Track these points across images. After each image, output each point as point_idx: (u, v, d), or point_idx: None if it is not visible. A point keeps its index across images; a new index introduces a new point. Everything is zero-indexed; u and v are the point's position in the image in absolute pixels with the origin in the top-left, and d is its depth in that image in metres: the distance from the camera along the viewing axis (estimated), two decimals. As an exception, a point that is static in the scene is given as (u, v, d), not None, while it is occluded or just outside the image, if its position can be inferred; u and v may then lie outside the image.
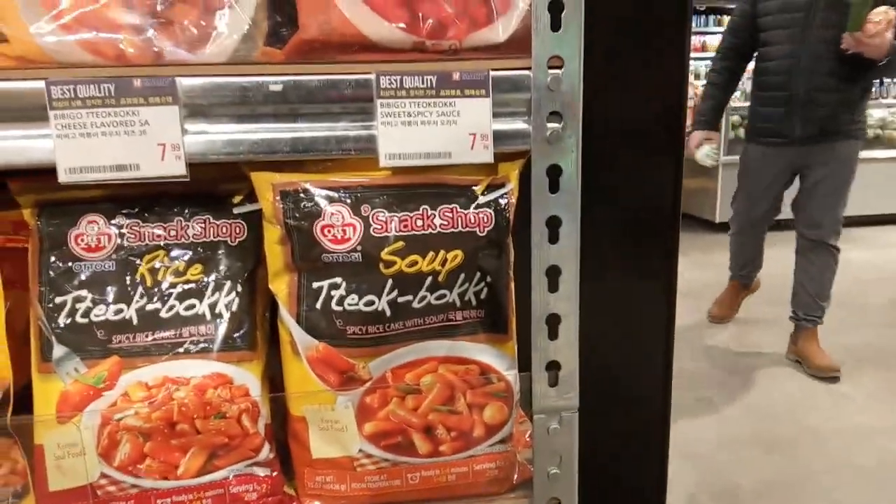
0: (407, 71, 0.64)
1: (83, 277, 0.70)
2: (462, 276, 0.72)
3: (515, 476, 0.81)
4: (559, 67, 0.66)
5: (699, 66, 6.62)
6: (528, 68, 0.65)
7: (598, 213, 0.85)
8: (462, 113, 0.66)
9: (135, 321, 0.70)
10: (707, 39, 7.54)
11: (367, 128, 0.65)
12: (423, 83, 0.65)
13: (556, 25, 0.65)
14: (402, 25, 0.66)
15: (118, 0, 0.63)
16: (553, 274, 0.72)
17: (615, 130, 0.87)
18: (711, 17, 7.82)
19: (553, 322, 0.73)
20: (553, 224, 0.70)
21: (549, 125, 0.67)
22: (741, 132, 5.12)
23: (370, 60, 0.66)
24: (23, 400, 0.73)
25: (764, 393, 3.12)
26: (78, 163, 0.61)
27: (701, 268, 4.47)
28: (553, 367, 0.75)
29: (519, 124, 0.67)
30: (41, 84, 0.60)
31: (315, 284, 0.71)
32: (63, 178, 0.61)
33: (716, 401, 3.04)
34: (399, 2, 0.66)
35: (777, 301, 3.67)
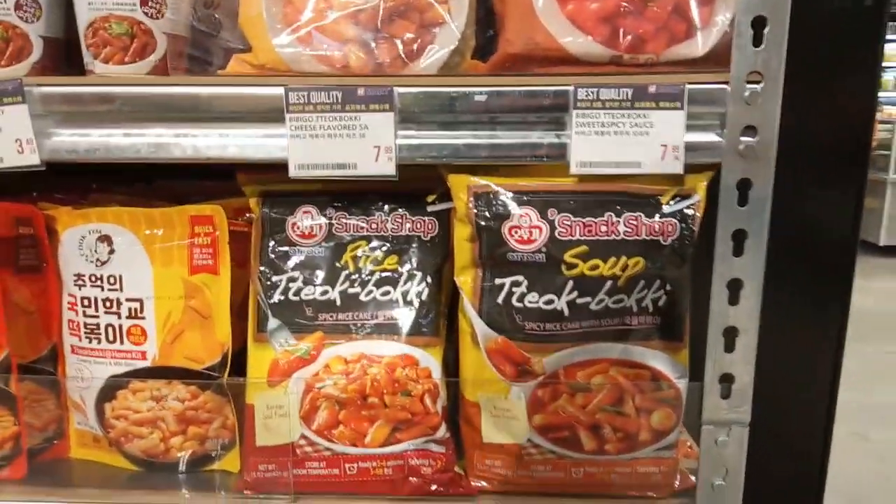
0: (604, 83, 0.68)
1: (297, 260, 0.79)
2: (641, 282, 0.74)
3: (677, 483, 0.82)
4: (758, 83, 0.66)
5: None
6: (726, 82, 0.66)
7: (782, 229, 0.84)
8: (655, 125, 0.68)
9: (338, 302, 0.78)
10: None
11: (560, 136, 0.69)
12: (618, 95, 0.67)
13: (758, 41, 0.65)
14: (601, 40, 0.70)
15: (347, 17, 0.71)
16: (734, 287, 0.72)
17: (803, 148, 0.86)
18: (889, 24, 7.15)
19: (730, 335, 0.74)
20: (739, 238, 0.71)
21: (744, 139, 0.68)
22: None
23: (569, 73, 0.70)
24: (234, 366, 0.84)
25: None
26: (306, 160, 0.70)
27: (861, 293, 4.13)
28: (726, 379, 0.76)
29: (711, 137, 0.68)
30: (280, 90, 0.69)
31: (498, 281, 0.76)
32: (293, 172, 0.70)
33: (872, 437, 2.82)
34: (601, 17, 0.70)
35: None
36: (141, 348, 0.84)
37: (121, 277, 0.83)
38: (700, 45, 0.69)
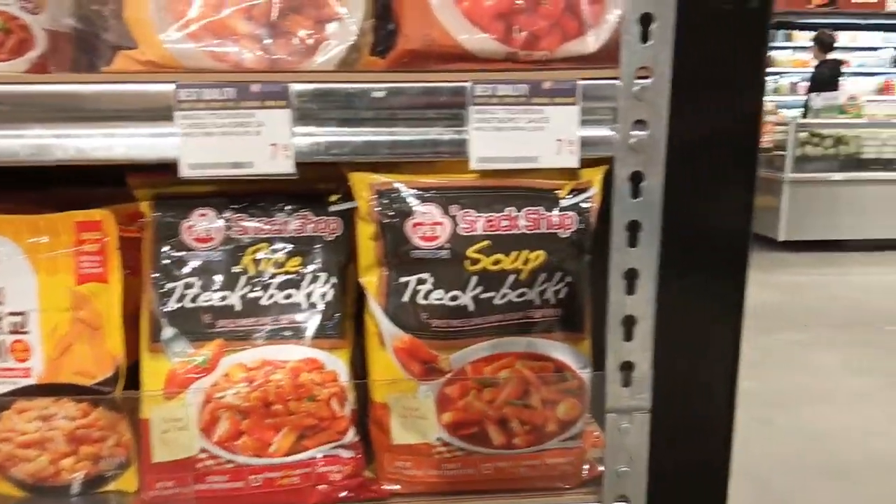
0: (500, 80, 0.68)
1: (193, 266, 0.76)
2: (543, 275, 0.75)
3: (585, 472, 0.84)
4: (647, 78, 0.69)
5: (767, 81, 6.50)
6: (617, 78, 0.69)
7: (674, 221, 0.88)
8: (551, 120, 0.69)
9: (238, 307, 0.76)
10: (774, 54, 7.42)
11: (459, 132, 0.70)
12: (515, 91, 0.68)
13: (645, 38, 0.68)
14: (497, 37, 0.70)
15: (239, 12, 0.69)
16: (631, 277, 0.74)
17: (694, 142, 0.89)
18: (780, 32, 7.69)
19: (629, 324, 0.76)
20: (633, 229, 0.73)
21: (634, 133, 0.70)
22: (809, 150, 4.98)
23: (466, 69, 0.71)
24: (129, 380, 0.80)
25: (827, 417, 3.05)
26: (199, 159, 0.67)
27: (761, 287, 4.39)
28: (627, 367, 0.78)
29: (604, 131, 0.71)
30: (170, 87, 0.66)
31: (403, 279, 0.75)
32: (185, 172, 0.67)
33: (776, 421, 2.98)
34: (496, 15, 0.70)
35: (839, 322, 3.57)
36: (25, 365, 0.78)
37: (2, 290, 0.77)
38: (591, 42, 0.71)
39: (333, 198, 0.77)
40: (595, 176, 0.74)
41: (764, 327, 3.70)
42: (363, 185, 0.73)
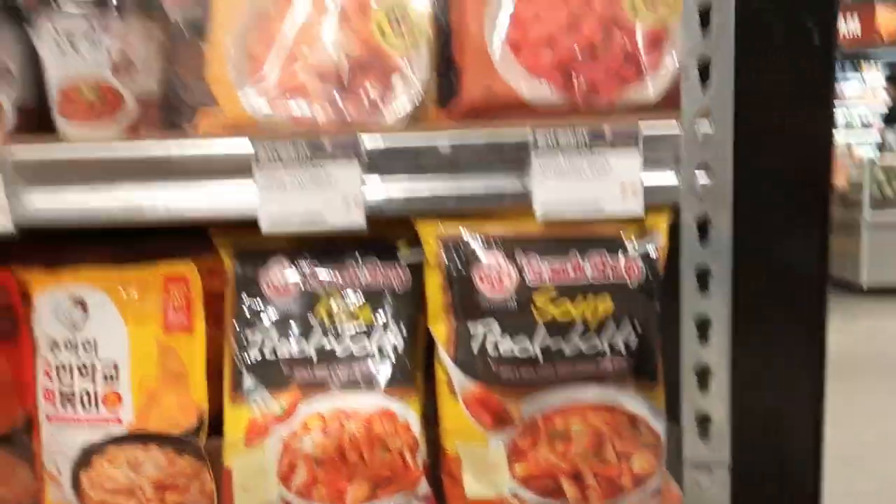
0: (562, 128, 0.70)
1: (271, 316, 0.79)
2: (612, 324, 0.74)
3: (665, 529, 0.80)
4: (708, 122, 0.69)
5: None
6: (678, 123, 0.69)
7: (747, 266, 0.85)
8: (613, 167, 0.70)
9: (313, 357, 0.78)
10: (845, 89, 7.12)
11: (523, 181, 0.71)
12: (576, 139, 0.70)
13: (704, 82, 0.68)
14: (557, 87, 0.72)
15: (311, 72, 0.74)
16: (703, 325, 0.73)
17: (760, 184, 0.88)
18: (850, 66, 7.41)
19: (704, 374, 0.74)
20: (703, 275, 0.71)
21: (699, 177, 0.69)
22: (887, 189, 4.70)
23: (527, 119, 0.73)
24: (212, 428, 0.83)
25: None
26: (276, 214, 0.71)
27: (844, 334, 4.11)
28: (703, 420, 0.75)
29: (668, 177, 0.70)
30: (248, 145, 0.71)
31: (471, 328, 0.76)
32: (266, 230, 0.71)
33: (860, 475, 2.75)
34: (555, 66, 0.73)
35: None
36: (117, 414, 0.83)
37: (95, 341, 0.83)
38: (651, 89, 0.72)
39: (403, 248, 0.80)
40: (661, 222, 0.74)
41: (846, 375, 3.45)
42: (431, 235, 0.75)
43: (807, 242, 0.89)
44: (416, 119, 0.75)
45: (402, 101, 0.73)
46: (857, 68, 7.27)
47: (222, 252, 0.83)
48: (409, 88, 0.73)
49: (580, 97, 0.73)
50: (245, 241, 0.81)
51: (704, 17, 0.68)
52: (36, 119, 0.84)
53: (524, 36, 0.75)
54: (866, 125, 6.42)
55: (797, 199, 0.88)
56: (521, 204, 0.71)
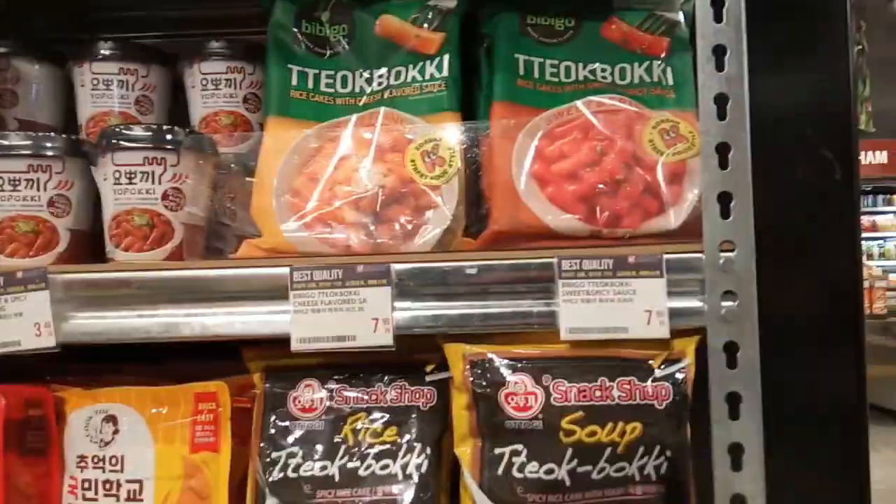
0: (586, 255, 0.72)
1: (297, 435, 0.79)
2: (641, 448, 0.73)
3: None
4: (731, 251, 0.71)
5: (871, 246, 6.28)
6: (701, 251, 0.71)
7: (777, 392, 0.84)
8: (638, 292, 0.72)
9: (337, 477, 0.77)
10: (877, 219, 7.23)
11: (548, 304, 0.73)
12: (600, 265, 0.72)
13: (725, 213, 0.71)
14: (581, 217, 0.76)
15: (349, 204, 0.78)
16: (736, 452, 0.71)
17: (786, 310, 0.88)
18: (881, 197, 7.56)
19: (738, 503, 0.72)
20: (733, 400, 0.71)
21: (724, 304, 0.71)
22: None
23: (552, 247, 0.75)
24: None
25: None
26: (308, 334, 0.73)
27: (893, 465, 3.91)
28: (741, 552, 0.72)
29: (693, 302, 0.72)
30: (285, 270, 0.74)
31: (498, 450, 0.75)
32: (295, 346, 0.73)
33: None
34: (579, 197, 0.76)
35: None
36: (137, 531, 0.82)
37: (122, 458, 0.83)
38: (672, 219, 0.75)
39: (429, 368, 0.81)
40: (688, 346, 0.75)
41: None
42: (457, 355, 0.76)
43: (840, 368, 0.88)
44: (445, 247, 0.78)
45: (432, 230, 0.77)
46: (889, 201, 7.43)
47: (252, 369, 0.85)
48: (439, 218, 0.77)
49: (604, 227, 0.76)
50: (275, 360, 0.83)
51: (723, 154, 0.72)
52: (88, 241, 0.89)
53: (548, 170, 0.79)
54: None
55: (826, 326, 0.88)
56: (546, 326, 0.73)
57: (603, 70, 0.87)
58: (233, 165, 0.87)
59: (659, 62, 0.87)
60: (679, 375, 0.74)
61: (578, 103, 0.84)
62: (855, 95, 0.83)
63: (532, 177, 0.78)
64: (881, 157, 7.16)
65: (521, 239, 0.77)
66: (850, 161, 0.89)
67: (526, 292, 0.74)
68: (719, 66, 0.72)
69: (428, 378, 0.81)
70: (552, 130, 0.82)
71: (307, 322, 0.73)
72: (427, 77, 0.87)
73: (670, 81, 0.86)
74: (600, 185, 0.77)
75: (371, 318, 0.73)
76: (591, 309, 0.72)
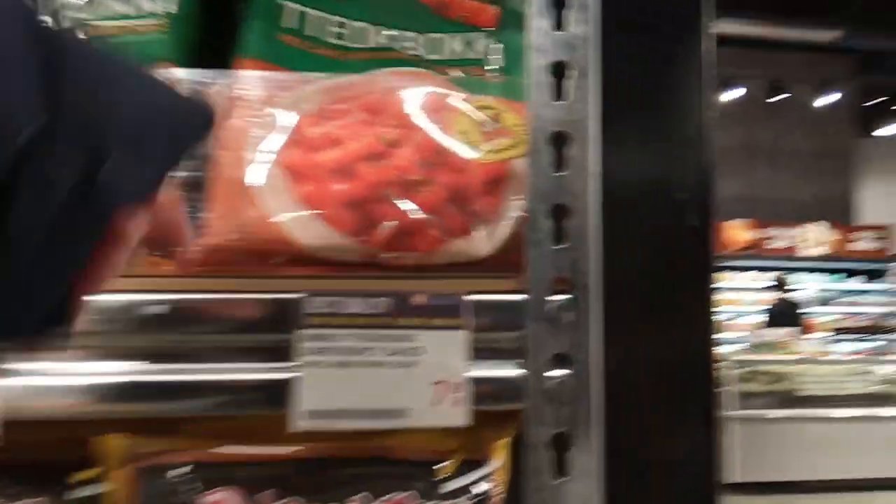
0: (348, 290, 0.45)
1: None
2: None
3: None
4: (566, 292, 0.46)
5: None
6: (523, 292, 0.46)
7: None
8: (426, 351, 0.45)
9: None
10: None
11: (281, 370, 0.44)
12: (370, 308, 0.45)
13: (559, 237, 0.47)
14: (349, 231, 0.48)
15: None
16: None
17: (635, 382, 0.66)
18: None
19: None
20: (562, 524, 0.46)
21: (553, 373, 0.46)
22: (752, 386, 4.82)
23: (300, 275, 0.47)
24: None
25: None
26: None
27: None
28: None
29: (508, 370, 0.46)
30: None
31: None
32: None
33: None
34: (349, 202, 0.49)
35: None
36: None
37: None
38: (485, 242, 0.50)
39: (76, 477, 0.48)
40: (497, 440, 0.48)
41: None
42: (115, 456, 0.45)
43: (694, 454, 0.67)
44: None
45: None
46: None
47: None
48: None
49: (383, 248, 0.49)
50: None
51: (559, 149, 0.48)
52: None
53: (310, 160, 0.52)
54: (728, 327, 6.80)
55: (679, 401, 0.67)
56: (272, 405, 0.44)
57: (409, 39, 0.63)
58: None
59: (484, 36, 0.63)
60: (480, 487, 0.47)
61: (370, 75, 0.58)
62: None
63: (282, 168, 0.50)
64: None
65: (254, 260, 0.48)
66: (706, 212, 0.72)
67: (245, 350, 0.45)
68: (558, 23, 0.49)
69: (73, 495, 0.47)
70: (325, 107, 0.55)
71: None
72: (145, 12, 0.57)
73: (497, 62, 0.63)
74: (384, 189, 0.50)
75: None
76: (349, 378, 0.44)
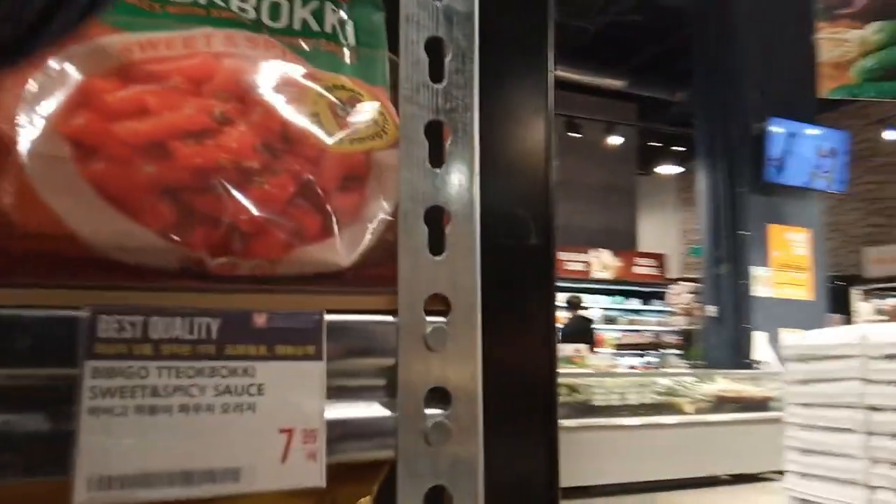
0: (157, 306, 0.33)
1: None
2: None
3: None
4: (443, 313, 0.38)
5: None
6: (393, 311, 0.37)
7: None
8: (268, 390, 0.34)
9: None
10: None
11: (56, 419, 0.31)
12: (187, 332, 0.33)
13: (438, 247, 0.38)
14: (159, 229, 0.36)
15: None
16: None
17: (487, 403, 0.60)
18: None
19: None
20: None
21: (430, 412, 0.37)
22: (578, 397, 5.09)
23: (86, 285, 0.34)
24: None
25: None
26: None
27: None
28: None
29: (375, 410, 0.37)
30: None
31: None
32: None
33: None
34: (161, 189, 0.37)
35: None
36: None
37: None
38: (344, 249, 0.40)
39: None
40: (358, 498, 0.38)
41: None
42: None
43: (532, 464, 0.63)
44: None
45: None
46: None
47: None
48: None
49: (211, 254, 0.37)
50: None
51: (436, 139, 0.40)
52: None
53: (106, 130, 0.38)
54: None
55: (523, 425, 0.62)
56: (45, 473, 0.30)
57: (244, 0, 0.51)
58: None
59: (335, 8, 0.54)
60: (340, 565, 0.37)
61: (193, 33, 0.46)
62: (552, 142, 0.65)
63: (63, 137, 0.37)
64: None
65: (28, 268, 0.34)
66: (547, 226, 0.69)
67: (7, 390, 0.31)
68: (437, -9, 0.41)
69: None
70: (130, 66, 0.42)
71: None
72: None
73: (350, 39, 0.53)
74: (211, 175, 0.39)
75: None
76: (156, 429, 0.32)
